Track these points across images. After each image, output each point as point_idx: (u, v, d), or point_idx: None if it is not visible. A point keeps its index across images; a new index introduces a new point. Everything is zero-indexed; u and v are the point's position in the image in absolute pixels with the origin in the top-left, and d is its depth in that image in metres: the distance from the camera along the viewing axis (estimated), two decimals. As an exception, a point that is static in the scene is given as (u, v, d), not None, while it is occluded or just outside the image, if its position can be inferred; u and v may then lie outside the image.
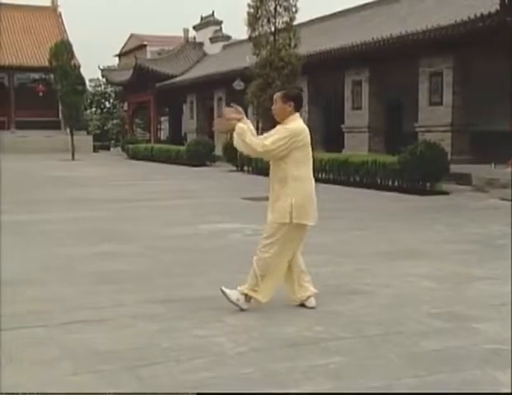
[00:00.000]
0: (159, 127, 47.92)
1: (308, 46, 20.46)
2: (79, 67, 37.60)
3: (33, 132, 42.57)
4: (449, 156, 16.51)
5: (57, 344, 4.47)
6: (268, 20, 15.10)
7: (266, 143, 5.18)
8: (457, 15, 18.20)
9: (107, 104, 60.00)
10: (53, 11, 49.42)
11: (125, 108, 52.44)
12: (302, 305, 5.36)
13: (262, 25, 15.15)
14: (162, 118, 50.81)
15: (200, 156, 27.36)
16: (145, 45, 59.88)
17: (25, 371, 3.98)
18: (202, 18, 44.17)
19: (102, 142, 50.84)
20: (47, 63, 35.43)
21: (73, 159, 33.36)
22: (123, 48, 66.51)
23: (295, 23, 15.60)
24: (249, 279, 5.24)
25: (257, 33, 15.26)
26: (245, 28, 15.45)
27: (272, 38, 15.21)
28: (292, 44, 15.24)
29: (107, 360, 4.13)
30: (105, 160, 35.95)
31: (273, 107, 5.42)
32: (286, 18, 15.11)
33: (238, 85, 26.04)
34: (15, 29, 46.34)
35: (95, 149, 45.54)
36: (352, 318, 5.07)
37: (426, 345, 4.43)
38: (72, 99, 33.91)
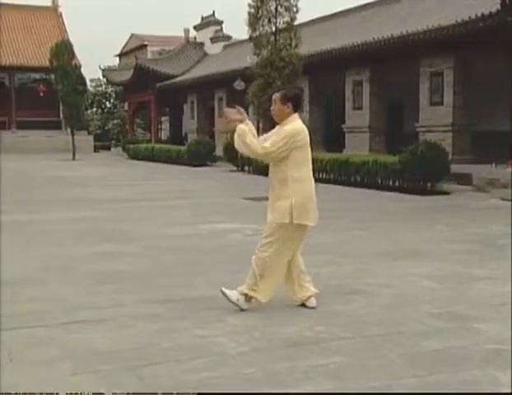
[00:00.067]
0: (159, 127, 47.95)
1: (309, 46, 20.46)
2: (80, 67, 37.62)
3: (34, 132, 42.58)
4: (450, 156, 16.50)
5: (57, 344, 4.46)
6: (269, 20, 15.11)
7: (265, 145, 5.18)
8: (458, 15, 18.19)
9: (108, 104, 60.01)
10: (53, 11, 49.44)
11: (126, 108, 52.46)
12: (303, 305, 5.36)
13: (262, 25, 15.17)
14: (163, 118, 50.83)
15: (201, 156, 27.36)
16: (145, 45, 59.89)
17: (25, 371, 3.98)
18: (202, 18, 44.17)
19: (103, 142, 50.84)
20: (48, 63, 35.44)
21: (74, 159, 33.37)
22: (124, 48, 66.52)
23: (296, 23, 15.62)
24: (247, 279, 5.24)
25: (257, 33, 15.27)
26: (246, 28, 15.49)
27: (272, 38, 15.22)
28: (293, 44, 15.25)
29: (107, 360, 4.12)
30: (106, 160, 35.96)
31: (272, 108, 5.42)
32: (286, 18, 15.13)
33: (239, 85, 26.03)
34: (15, 29, 46.34)
35: (96, 149, 45.54)
36: (353, 318, 5.07)
37: (427, 345, 4.42)
38: (72, 99, 33.91)
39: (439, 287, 6.12)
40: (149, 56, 53.02)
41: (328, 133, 26.24)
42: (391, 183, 16.03)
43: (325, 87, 25.88)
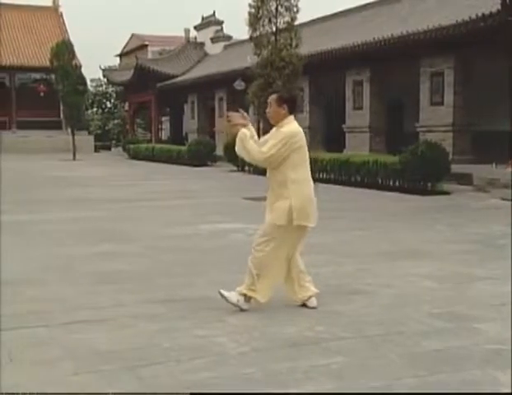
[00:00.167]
0: (160, 127, 47.96)
1: (309, 46, 20.44)
2: (80, 67, 37.62)
3: (34, 132, 42.59)
4: (450, 156, 16.51)
5: (58, 344, 4.46)
6: (269, 20, 15.11)
7: (263, 150, 5.19)
8: (458, 15, 18.19)
9: (108, 104, 60.02)
10: (54, 11, 49.45)
11: (126, 108, 52.47)
12: (303, 305, 5.36)
13: (263, 25, 15.17)
14: (163, 118, 50.84)
15: (201, 156, 27.37)
16: (146, 45, 59.90)
17: (26, 371, 3.98)
18: (203, 18, 44.17)
19: (103, 142, 50.85)
20: (48, 63, 35.44)
21: (74, 159, 33.38)
22: (125, 48, 66.53)
23: (297, 23, 15.61)
24: (245, 279, 5.25)
25: (258, 33, 15.27)
26: (246, 28, 15.48)
27: (273, 38, 15.22)
28: (293, 44, 15.25)
29: (108, 360, 4.12)
30: (106, 160, 35.97)
31: (268, 110, 5.43)
32: (287, 18, 15.13)
33: (239, 85, 26.03)
34: (16, 29, 46.36)
35: (97, 149, 45.56)
36: (353, 318, 5.07)
37: (427, 345, 4.42)
38: (73, 99, 33.92)
39: (439, 287, 6.12)
40: (149, 56, 53.03)
41: (328, 133, 26.24)
42: (391, 183, 16.03)
43: (325, 87, 25.87)
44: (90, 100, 54.24)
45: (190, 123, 39.69)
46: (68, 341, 4.52)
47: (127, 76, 43.57)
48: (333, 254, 7.74)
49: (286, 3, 15.04)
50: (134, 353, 4.27)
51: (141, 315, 5.14)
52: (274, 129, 5.38)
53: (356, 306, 5.41)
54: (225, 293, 5.24)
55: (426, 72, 20.38)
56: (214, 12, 43.46)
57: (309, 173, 5.36)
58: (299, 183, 5.21)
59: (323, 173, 18.10)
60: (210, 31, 43.04)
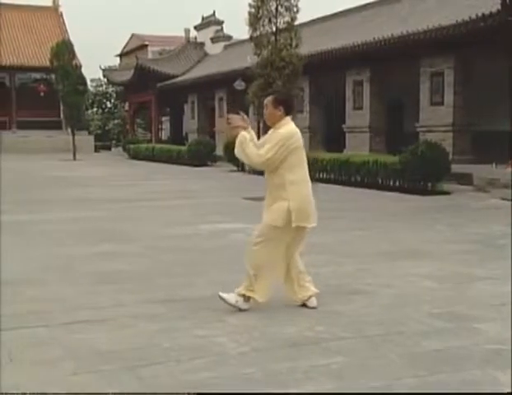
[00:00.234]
0: (160, 127, 47.95)
1: (309, 46, 20.44)
2: (80, 66, 37.62)
3: (34, 132, 42.59)
4: (451, 156, 16.50)
5: (58, 344, 4.47)
6: (269, 20, 15.11)
7: (261, 153, 5.20)
8: (458, 15, 18.19)
9: (108, 104, 60.02)
10: (54, 10, 49.45)
11: (126, 108, 52.47)
12: (303, 305, 5.36)
13: (263, 25, 15.17)
14: (163, 118, 50.83)
15: (201, 156, 27.37)
16: (146, 45, 59.90)
17: (26, 371, 3.98)
18: (203, 18, 44.17)
19: (103, 142, 50.85)
20: (48, 63, 35.44)
21: (74, 159, 33.38)
22: (125, 48, 66.54)
23: (297, 23, 15.61)
24: (244, 280, 5.25)
25: (258, 33, 15.27)
26: (246, 28, 15.48)
27: (273, 38, 15.22)
28: (293, 44, 15.25)
29: (108, 360, 4.12)
30: (106, 160, 35.97)
31: (264, 112, 5.44)
32: (287, 18, 15.13)
33: (239, 85, 26.04)
34: (16, 29, 46.36)
35: (97, 149, 45.56)
36: (353, 318, 5.07)
37: (427, 345, 4.42)
38: (73, 99, 33.92)
39: (439, 287, 6.12)
40: (149, 56, 53.03)
41: (328, 133, 26.24)
42: (391, 183, 16.03)
43: (325, 87, 25.87)
44: (90, 100, 54.24)
45: (190, 123, 39.69)
46: (68, 341, 4.52)
47: (127, 76, 43.57)
48: (333, 254, 7.74)
49: (286, 3, 15.04)
50: (134, 353, 4.27)
51: (142, 315, 5.15)
52: (271, 131, 5.39)
53: (356, 306, 5.41)
54: (224, 295, 5.25)
55: (426, 71, 20.38)
56: (214, 12, 43.48)
57: (307, 173, 5.36)
58: (297, 184, 5.21)
59: (323, 173, 18.10)
60: (210, 31, 43.05)
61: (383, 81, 23.16)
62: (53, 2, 49.82)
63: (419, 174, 14.97)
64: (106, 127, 56.52)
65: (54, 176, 21.91)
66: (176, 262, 7.38)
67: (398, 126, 24.26)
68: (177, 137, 43.44)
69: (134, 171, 25.66)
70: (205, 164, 27.13)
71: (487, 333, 4.66)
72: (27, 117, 43.41)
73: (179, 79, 39.02)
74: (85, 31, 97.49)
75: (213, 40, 42.78)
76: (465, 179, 16.09)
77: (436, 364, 4.05)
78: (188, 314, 5.16)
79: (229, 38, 42.32)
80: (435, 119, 19.99)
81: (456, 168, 16.16)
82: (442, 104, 19.87)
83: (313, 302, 5.36)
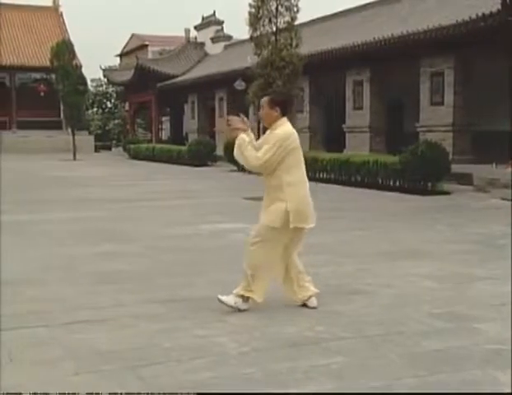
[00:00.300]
0: (160, 127, 47.95)
1: (309, 46, 20.43)
2: (80, 66, 37.62)
3: (34, 132, 42.58)
4: (451, 156, 16.50)
5: (58, 344, 4.47)
6: (270, 20, 15.09)
7: (258, 155, 5.20)
8: (458, 15, 18.18)
9: (108, 104, 60.00)
10: (54, 10, 49.44)
11: (126, 108, 52.46)
12: (303, 305, 5.36)
13: (263, 25, 15.15)
14: (163, 118, 50.82)
15: (201, 156, 27.38)
16: (146, 45, 59.89)
17: (26, 371, 3.98)
18: (203, 18, 44.17)
19: (103, 142, 50.84)
20: (48, 63, 35.43)
21: (75, 159, 33.38)
22: (125, 48, 66.53)
23: (297, 23, 15.60)
24: (242, 281, 5.26)
25: (258, 33, 15.25)
26: (247, 28, 15.46)
27: (273, 38, 15.21)
28: (293, 44, 15.23)
29: (108, 360, 4.13)
30: (107, 160, 35.97)
31: (260, 112, 5.45)
32: (287, 18, 15.10)
33: (239, 85, 26.03)
34: (16, 28, 46.35)
35: (97, 149, 45.55)
36: (353, 318, 5.07)
37: (427, 345, 4.43)
38: (73, 99, 33.92)
39: (439, 287, 6.12)
40: (150, 56, 53.02)
41: (328, 133, 26.23)
42: (391, 183, 16.03)
43: (326, 87, 25.87)
44: (90, 100, 54.21)
45: (190, 123, 39.69)
46: (69, 341, 4.52)
47: (127, 76, 43.57)
48: (333, 254, 7.75)
49: (287, 3, 15.03)
50: (135, 353, 4.27)
51: (142, 315, 5.15)
52: (267, 132, 5.41)
53: (356, 306, 5.42)
54: (223, 297, 5.25)
55: (426, 71, 20.37)
56: (214, 12, 43.47)
57: (305, 174, 5.37)
58: (294, 185, 5.21)
59: (323, 173, 18.10)
60: (210, 31, 43.04)
61: (383, 81, 23.16)
62: (54, 1, 49.81)
63: (419, 174, 14.97)
64: (106, 127, 56.51)
65: (54, 176, 21.91)
66: (176, 262, 7.38)
67: (398, 126, 24.26)
68: (177, 137, 43.44)
69: (134, 171, 25.67)
70: (205, 165, 27.13)
71: (487, 333, 4.67)
72: (27, 117, 43.41)
73: (180, 79, 39.01)
74: (85, 31, 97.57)
75: (213, 40, 42.78)
76: (465, 179, 16.09)
77: (436, 364, 4.05)
78: (188, 314, 5.17)
79: (229, 38, 42.31)
80: (435, 119, 19.99)
81: (456, 168, 16.16)
82: (442, 104, 19.87)
83: (313, 302, 5.36)
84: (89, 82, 44.23)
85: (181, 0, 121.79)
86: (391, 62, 21.68)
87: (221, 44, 42.03)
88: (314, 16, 31.56)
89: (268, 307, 5.29)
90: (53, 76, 36.45)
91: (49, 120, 43.94)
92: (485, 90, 19.44)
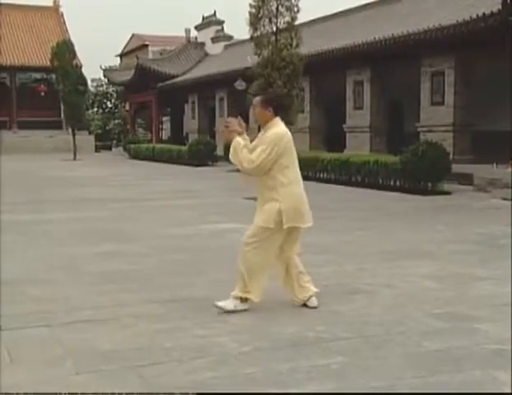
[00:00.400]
0: (160, 127, 47.93)
1: (309, 46, 20.43)
2: (81, 66, 37.64)
3: (35, 131, 42.60)
4: (451, 156, 16.50)
5: (59, 344, 4.48)
6: (270, 20, 15.10)
7: (252, 158, 5.20)
8: (458, 15, 18.18)
9: (109, 104, 59.98)
10: (54, 10, 49.44)
11: (127, 108, 52.46)
12: (304, 305, 5.37)
13: (263, 25, 15.15)
14: (164, 118, 50.81)
15: (202, 156, 27.38)
16: (146, 45, 59.88)
17: (27, 371, 3.98)
18: (203, 18, 44.16)
19: (104, 142, 50.82)
20: (49, 63, 35.46)
21: (75, 159, 33.38)
22: (125, 48, 66.54)
23: (297, 23, 15.60)
24: (237, 282, 5.26)
25: (258, 33, 15.26)
26: (247, 28, 15.46)
27: (273, 38, 15.21)
28: (294, 44, 15.24)
29: (110, 360, 4.14)
30: (107, 160, 35.98)
31: (253, 112, 5.46)
32: (287, 18, 15.11)
33: (239, 85, 26.03)
34: (17, 28, 46.36)
35: (97, 149, 45.56)
36: (354, 318, 5.08)
37: (428, 345, 4.43)
38: (73, 99, 33.92)
39: (439, 287, 6.12)
40: (150, 56, 52.99)
41: (328, 133, 26.22)
42: (392, 183, 16.03)
43: (326, 87, 25.86)
44: (90, 100, 54.21)
45: (191, 123, 39.69)
46: (70, 341, 4.53)
47: (127, 76, 43.56)
48: (333, 254, 7.75)
49: (287, 3, 15.03)
50: (135, 353, 4.28)
51: (143, 315, 5.16)
52: (261, 133, 5.42)
53: (357, 306, 5.42)
54: (220, 303, 5.23)
55: (427, 71, 20.37)
56: (215, 12, 43.47)
57: (299, 173, 5.38)
58: (289, 185, 5.22)
59: (323, 173, 18.11)
60: (210, 31, 43.03)
61: (383, 80, 23.16)
62: (54, 2, 49.82)
63: (419, 174, 14.97)
64: (107, 127, 56.49)
65: (55, 176, 21.92)
66: (177, 262, 7.39)
67: (399, 126, 24.26)
68: (177, 136, 43.44)
69: (135, 171, 25.67)
70: (205, 164, 27.14)
71: (488, 333, 4.67)
72: (28, 117, 43.43)
73: (180, 79, 39.01)
74: (85, 31, 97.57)
75: (214, 40, 42.77)
76: (466, 179, 16.09)
77: (436, 364, 4.06)
78: (188, 314, 5.17)
79: (229, 38, 42.31)
80: (436, 119, 19.99)
81: (456, 168, 16.16)
82: (442, 103, 19.87)
83: (313, 302, 5.37)
84: (89, 82, 44.30)
85: (181, 0, 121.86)
86: (391, 62, 21.68)
87: (222, 44, 42.03)
88: (315, 16, 31.58)
89: (269, 307, 5.30)
90: (54, 76, 36.47)
91: (50, 120, 43.96)
92: (485, 90, 19.45)
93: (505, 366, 3.97)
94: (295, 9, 15.08)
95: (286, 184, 5.20)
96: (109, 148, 50.61)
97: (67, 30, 47.29)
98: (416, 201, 13.84)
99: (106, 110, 59.38)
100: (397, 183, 15.88)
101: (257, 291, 5.27)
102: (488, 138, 19.24)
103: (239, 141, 5.32)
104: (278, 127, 5.32)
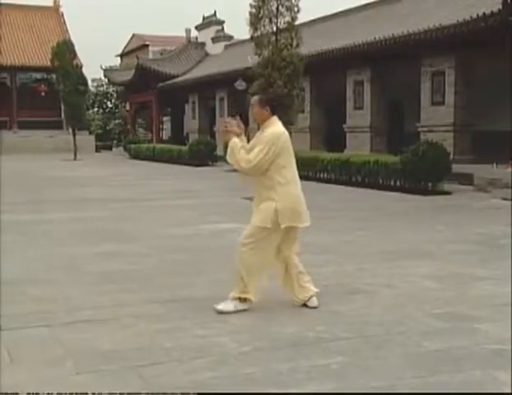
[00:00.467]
0: (161, 127, 47.94)
1: (310, 46, 20.43)
2: (81, 66, 37.63)
3: (35, 131, 42.60)
4: (451, 156, 16.50)
5: (60, 344, 4.48)
6: (270, 20, 15.09)
7: (250, 158, 5.20)
8: (459, 14, 18.18)
9: (109, 104, 59.98)
10: (55, 10, 49.44)
11: (127, 108, 52.47)
12: (304, 305, 5.37)
13: (264, 25, 15.15)
14: (164, 118, 50.81)
15: (202, 156, 27.39)
16: (147, 45, 59.90)
17: (27, 371, 3.99)
18: (204, 18, 44.17)
19: (104, 142, 50.82)
20: (49, 63, 35.46)
21: (75, 159, 33.38)
22: (125, 48, 66.55)
23: (297, 23, 15.60)
24: (236, 283, 5.26)
25: (259, 33, 15.25)
26: (247, 28, 15.45)
27: (273, 38, 15.20)
28: (294, 44, 15.23)
29: (110, 360, 4.14)
30: (107, 160, 35.98)
31: (252, 111, 5.47)
32: (287, 18, 15.10)
33: (240, 85, 26.04)
34: (17, 28, 46.36)
35: (98, 149, 45.55)
36: (354, 318, 5.08)
37: (428, 345, 4.43)
38: (74, 99, 33.92)
39: (440, 287, 6.12)
40: (150, 56, 53.01)
41: (329, 133, 26.22)
42: (392, 183, 16.03)
43: (326, 87, 25.87)
44: (91, 100, 54.19)
45: (191, 123, 39.70)
46: (70, 341, 4.53)
47: (128, 76, 43.56)
48: (333, 254, 7.75)
49: (287, 3, 15.03)
50: (136, 353, 4.28)
51: (143, 315, 5.16)
52: (258, 132, 5.42)
53: (357, 306, 5.42)
54: (220, 306, 5.23)
55: (427, 71, 20.37)
56: (215, 12, 43.48)
57: (296, 173, 5.39)
58: (286, 184, 5.23)
59: (323, 173, 18.11)
60: (211, 31, 43.03)
61: (383, 80, 23.16)
62: (54, 2, 49.82)
63: (420, 173, 14.97)
64: (107, 127, 56.48)
65: (55, 176, 21.92)
66: (177, 262, 7.39)
67: (399, 126, 24.26)
68: (178, 136, 43.44)
69: (135, 171, 25.67)
70: (206, 164, 27.14)
71: (488, 333, 4.67)
72: (28, 117, 43.43)
73: (180, 79, 39.01)
74: (85, 31, 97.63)
75: (214, 40, 42.78)
76: (466, 179, 16.09)
77: (437, 364, 4.06)
78: (188, 314, 5.18)
79: (230, 38, 42.31)
80: (436, 119, 19.99)
81: (457, 168, 16.16)
82: (443, 103, 19.87)
83: (313, 302, 5.37)
84: (89, 82, 44.27)
85: (181, 0, 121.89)
86: (392, 62, 21.68)
87: (222, 44, 42.03)
88: (315, 17, 31.58)
89: (268, 307, 5.30)
90: (54, 76, 36.46)
91: (50, 120, 43.96)
92: (485, 90, 19.45)
93: (505, 366, 3.97)
94: (296, 9, 15.07)
95: (283, 184, 5.20)
96: (110, 148, 50.60)
97: (67, 29, 47.30)
98: (416, 201, 13.84)
99: (107, 110, 59.39)
100: (398, 183, 15.88)
101: (255, 291, 5.28)
102: (488, 138, 19.24)
103: (235, 141, 5.33)
104: (276, 127, 5.33)
